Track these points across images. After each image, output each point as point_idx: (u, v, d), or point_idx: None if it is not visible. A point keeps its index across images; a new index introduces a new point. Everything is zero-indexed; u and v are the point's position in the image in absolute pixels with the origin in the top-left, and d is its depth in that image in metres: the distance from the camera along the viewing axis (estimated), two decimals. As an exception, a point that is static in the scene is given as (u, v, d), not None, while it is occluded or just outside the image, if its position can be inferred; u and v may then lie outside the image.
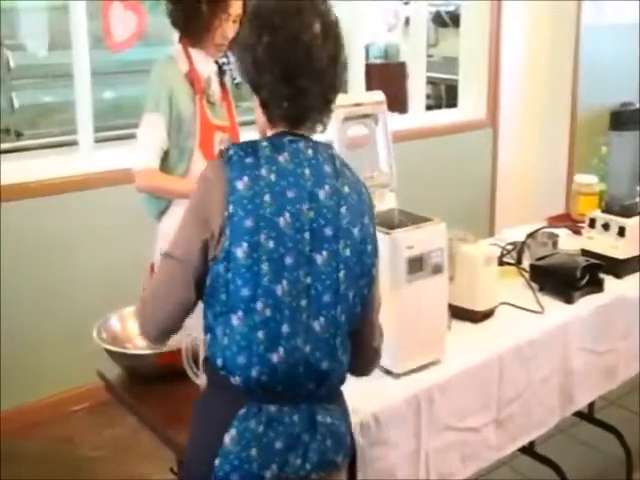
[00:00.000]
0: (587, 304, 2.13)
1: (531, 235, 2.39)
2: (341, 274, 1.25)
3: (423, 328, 1.70)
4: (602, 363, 2.15)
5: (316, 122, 1.29)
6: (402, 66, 4.96)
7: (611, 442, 2.61)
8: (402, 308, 1.66)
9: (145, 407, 1.65)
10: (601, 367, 2.15)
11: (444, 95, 5.83)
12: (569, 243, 2.42)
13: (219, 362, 1.24)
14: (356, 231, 1.27)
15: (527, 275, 2.23)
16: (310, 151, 1.27)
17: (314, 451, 1.25)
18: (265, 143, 1.26)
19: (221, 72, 2.23)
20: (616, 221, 2.31)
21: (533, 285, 2.18)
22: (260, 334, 1.22)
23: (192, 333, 1.61)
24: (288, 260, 1.22)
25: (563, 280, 2.15)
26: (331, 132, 1.77)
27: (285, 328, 1.22)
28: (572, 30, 4.23)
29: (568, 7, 4.18)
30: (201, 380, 1.57)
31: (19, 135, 4.43)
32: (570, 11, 4.19)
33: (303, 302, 1.23)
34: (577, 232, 2.53)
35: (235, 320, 1.22)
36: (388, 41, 6.40)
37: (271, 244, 1.21)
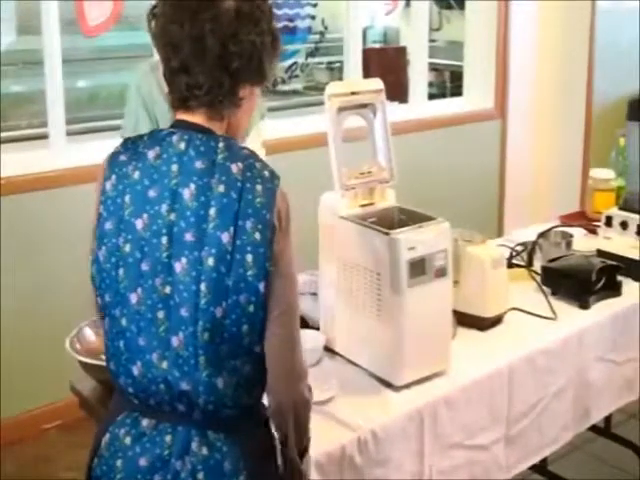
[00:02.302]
0: (603, 309, 2.13)
1: (543, 235, 2.39)
2: (202, 286, 1.18)
3: (426, 336, 1.70)
4: (620, 373, 2.16)
5: (211, 106, 1.23)
6: (402, 51, 4.96)
7: (629, 458, 2.62)
8: (403, 315, 1.66)
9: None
10: (619, 378, 2.16)
11: (448, 83, 5.85)
12: (584, 243, 2.43)
13: (107, 365, 1.30)
14: (225, 236, 1.17)
15: (539, 278, 2.23)
16: (183, 145, 1.22)
17: None
18: (145, 137, 1.26)
19: None
20: (635, 219, 2.32)
21: (545, 289, 2.19)
22: (121, 344, 1.24)
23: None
24: (144, 266, 1.20)
25: (577, 283, 2.15)
26: (325, 124, 1.77)
27: (141, 341, 1.22)
28: (587, 14, 4.24)
29: (583, -11, 4.20)
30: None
31: (-16, 128, 4.41)
32: (585, -7, 4.20)
33: (160, 314, 1.20)
34: (593, 231, 2.54)
35: (106, 325, 1.27)
36: (387, 24, 6.41)
37: (127, 248, 1.20)
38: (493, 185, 4.37)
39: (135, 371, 1.23)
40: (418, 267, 1.65)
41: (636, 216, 2.33)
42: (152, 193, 1.20)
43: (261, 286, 1.19)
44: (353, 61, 3.88)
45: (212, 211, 1.18)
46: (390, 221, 1.77)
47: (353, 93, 1.84)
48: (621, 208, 2.40)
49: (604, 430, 2.65)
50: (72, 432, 2.93)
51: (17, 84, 4.68)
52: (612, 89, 4.20)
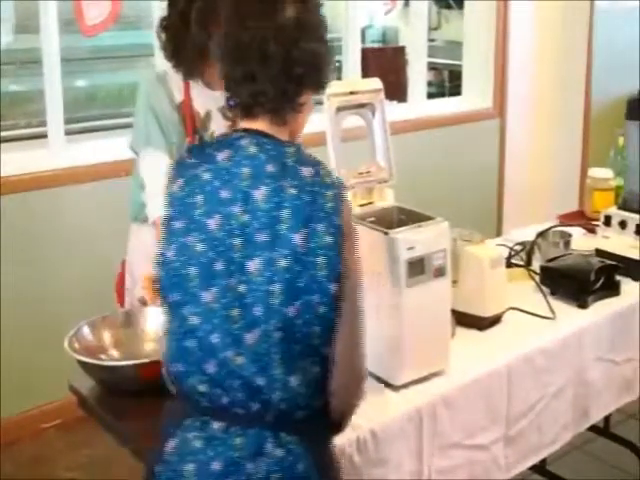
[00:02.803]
0: (602, 309, 2.13)
1: (541, 234, 2.40)
2: (275, 286, 1.20)
3: (425, 336, 1.70)
4: (619, 373, 2.16)
5: (273, 113, 1.28)
6: (401, 51, 4.98)
7: (628, 458, 2.62)
8: (402, 314, 1.66)
9: (122, 424, 1.64)
10: (618, 378, 2.16)
11: (447, 82, 5.85)
12: (583, 243, 2.43)
13: (170, 369, 1.28)
14: (299, 238, 1.20)
15: (537, 278, 2.23)
16: (253, 148, 1.25)
17: None
18: (214, 142, 1.31)
19: (230, 108, 2.07)
20: (634, 219, 2.32)
21: (544, 289, 2.19)
22: (192, 343, 1.24)
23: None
24: (218, 266, 1.21)
25: (576, 283, 2.15)
26: (323, 123, 1.77)
27: (214, 338, 1.22)
28: (585, 13, 4.25)
29: (582, -12, 4.20)
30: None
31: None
32: (584, -7, 4.21)
33: (235, 312, 1.21)
34: (591, 231, 2.54)
35: (172, 327, 1.26)
36: (386, 24, 6.41)
37: (199, 247, 1.22)
38: (492, 184, 4.37)
39: (210, 369, 1.23)
40: (417, 267, 1.65)
41: (635, 215, 2.33)
42: (224, 194, 1.23)
43: (332, 287, 1.21)
44: (352, 61, 3.88)
45: (285, 213, 1.21)
46: (389, 221, 1.77)
47: (352, 93, 1.84)
48: (620, 207, 2.40)
49: (603, 430, 2.65)
50: (71, 431, 2.93)
51: (15, 83, 4.68)
52: (611, 88, 4.20)
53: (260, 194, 1.22)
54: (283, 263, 1.20)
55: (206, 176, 1.24)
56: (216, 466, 1.21)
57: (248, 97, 1.26)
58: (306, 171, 1.24)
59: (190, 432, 1.24)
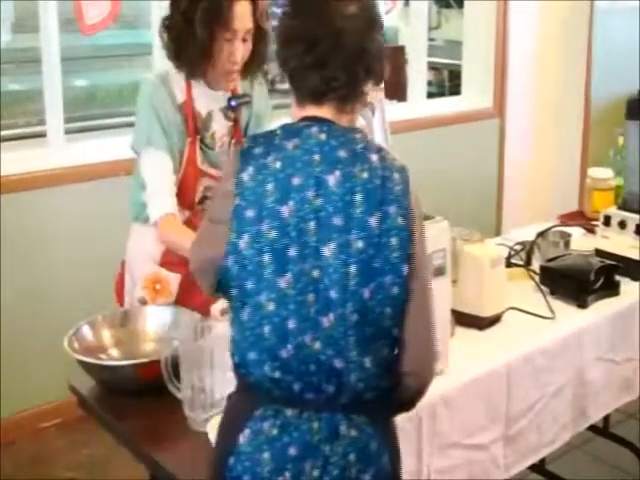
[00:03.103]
0: (602, 309, 2.14)
1: (541, 234, 2.40)
2: (352, 268, 1.23)
3: (424, 336, 1.70)
4: (619, 373, 2.16)
5: (342, 99, 1.32)
6: (401, 50, 4.95)
7: (628, 458, 2.62)
8: (402, 314, 1.66)
9: (122, 423, 1.65)
10: (618, 377, 2.16)
11: (447, 82, 5.85)
12: (582, 243, 2.43)
13: (236, 359, 1.29)
14: (373, 221, 1.24)
15: (537, 278, 2.24)
16: (323, 135, 1.29)
17: (335, 465, 1.25)
18: (278, 131, 1.31)
19: (232, 108, 2.02)
20: (633, 219, 2.32)
21: (543, 288, 2.19)
22: (267, 329, 1.24)
23: (173, 342, 1.62)
24: (292, 251, 1.23)
25: (576, 283, 2.16)
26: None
27: (291, 324, 1.24)
28: (585, 13, 4.24)
29: (582, -12, 4.20)
30: (183, 394, 1.58)
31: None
32: (584, -7, 4.21)
33: (310, 296, 1.24)
34: (591, 231, 2.54)
35: (245, 315, 1.26)
36: (386, 23, 6.39)
37: (273, 234, 1.24)
38: (492, 184, 4.37)
39: (284, 354, 1.24)
40: (417, 266, 1.65)
41: (635, 215, 2.33)
42: (296, 181, 1.25)
43: (404, 268, 1.25)
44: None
45: (358, 197, 1.24)
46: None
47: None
48: (620, 207, 2.40)
49: (603, 430, 2.66)
50: (70, 431, 2.94)
51: (14, 82, 4.68)
52: (611, 88, 4.20)
53: (333, 179, 1.25)
54: (359, 245, 1.23)
55: (277, 165, 1.26)
56: (293, 451, 1.24)
57: (320, 82, 1.29)
58: (374, 156, 1.28)
59: (263, 422, 1.26)
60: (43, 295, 3.01)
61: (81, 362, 1.70)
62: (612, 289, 2.19)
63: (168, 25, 1.93)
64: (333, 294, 1.23)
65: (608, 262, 2.22)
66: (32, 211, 2.96)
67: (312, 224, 1.24)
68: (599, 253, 2.33)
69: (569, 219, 2.70)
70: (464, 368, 1.78)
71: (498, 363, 1.84)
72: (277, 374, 1.25)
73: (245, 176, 1.27)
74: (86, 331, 1.81)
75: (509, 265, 2.28)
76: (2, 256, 2.90)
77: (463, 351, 1.82)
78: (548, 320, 2.05)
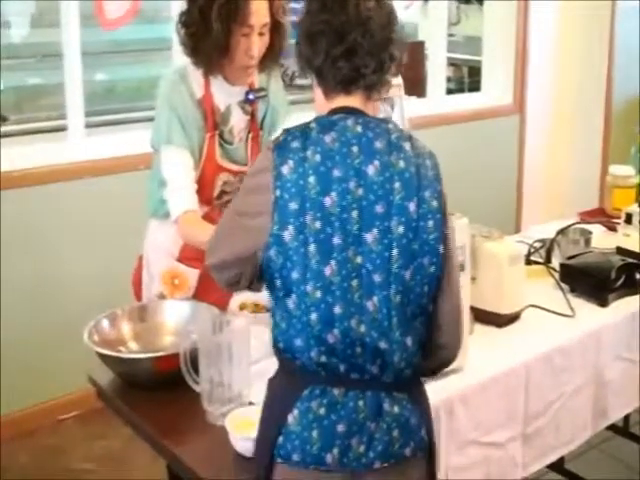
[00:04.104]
0: (622, 307, 2.12)
1: (561, 232, 2.38)
2: (394, 252, 1.29)
3: (443, 333, 1.69)
4: (638, 372, 2.14)
5: (370, 87, 1.37)
6: (421, 46, 4.94)
7: (647, 459, 2.61)
8: (420, 311, 1.65)
9: (140, 416, 1.65)
10: (637, 377, 2.14)
11: (466, 78, 5.82)
12: (603, 240, 2.41)
13: (281, 346, 1.34)
14: (412, 206, 1.31)
15: (557, 275, 2.22)
16: (359, 128, 1.33)
17: (379, 440, 1.31)
18: (314, 124, 1.35)
19: (249, 101, 2.02)
20: (655, 217, 2.30)
21: (563, 286, 2.17)
22: (313, 316, 1.30)
23: (192, 335, 1.62)
24: (336, 240, 1.29)
25: (596, 281, 2.14)
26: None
27: (337, 309, 1.29)
28: (607, 10, 4.21)
29: (603, -16, 4.16)
30: (201, 388, 1.59)
31: (3, 120, 4.44)
32: (606, -11, 4.17)
33: (354, 282, 1.29)
34: (612, 229, 2.52)
35: (290, 304, 1.31)
36: (405, 19, 6.38)
37: (317, 225, 1.28)
38: (511, 180, 4.35)
39: (331, 339, 1.29)
40: (436, 263, 1.64)
41: (656, 214, 2.31)
42: (337, 173, 1.30)
43: (441, 248, 1.33)
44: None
45: (397, 184, 1.31)
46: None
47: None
48: (641, 205, 2.38)
49: (622, 429, 2.64)
50: (88, 423, 2.96)
51: (36, 77, 4.71)
52: (632, 85, 4.16)
53: (373, 169, 1.31)
54: (400, 230, 1.30)
55: (316, 157, 1.31)
56: (341, 428, 1.30)
57: (351, 71, 1.34)
58: (406, 145, 1.35)
59: (311, 401, 1.31)
60: (62, 287, 3.03)
61: (100, 355, 1.71)
62: (633, 288, 2.17)
63: (185, 21, 1.92)
64: (377, 278, 1.29)
65: (629, 260, 2.20)
66: (52, 204, 2.98)
67: (355, 213, 1.29)
68: (620, 251, 2.31)
69: (589, 216, 2.68)
70: (482, 366, 1.78)
71: (517, 361, 1.83)
72: (323, 358, 1.30)
73: (285, 169, 1.30)
74: (105, 324, 1.81)
75: (529, 262, 2.26)
76: (23, 248, 2.92)
77: (482, 349, 1.81)
78: (568, 318, 2.04)
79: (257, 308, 1.97)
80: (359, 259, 1.29)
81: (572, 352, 1.95)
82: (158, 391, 1.66)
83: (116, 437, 2.77)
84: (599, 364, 2.03)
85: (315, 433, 1.30)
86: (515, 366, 1.82)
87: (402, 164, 1.32)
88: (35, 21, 4.68)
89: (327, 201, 1.29)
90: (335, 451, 1.29)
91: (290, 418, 1.31)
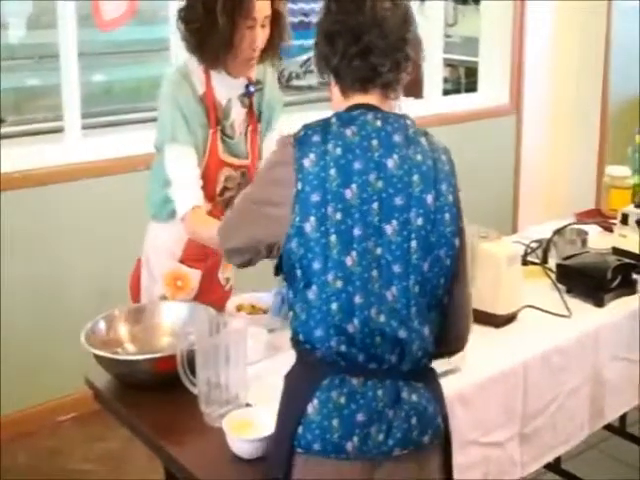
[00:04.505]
0: (619, 307, 2.12)
1: (558, 232, 2.38)
2: (413, 244, 1.32)
3: (440, 333, 1.69)
4: (635, 372, 2.15)
5: (386, 85, 1.39)
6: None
7: (644, 458, 2.61)
8: (418, 311, 1.65)
9: (137, 417, 1.65)
10: (634, 377, 2.14)
11: (463, 79, 5.82)
12: (599, 241, 2.41)
13: (301, 337, 1.35)
14: (429, 198, 1.34)
15: (553, 276, 2.22)
16: (379, 122, 1.36)
17: (398, 428, 1.33)
18: (334, 119, 1.38)
19: (249, 93, 2.05)
20: (651, 217, 2.30)
21: (560, 287, 2.17)
22: (334, 306, 1.31)
23: (189, 337, 1.62)
24: (356, 231, 1.31)
25: (593, 281, 2.14)
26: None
27: (357, 299, 1.31)
28: (603, 10, 4.21)
29: (600, -15, 4.17)
30: (198, 389, 1.58)
31: (0, 121, 4.44)
32: (602, -11, 4.17)
33: (374, 273, 1.31)
34: (608, 229, 2.52)
35: (311, 294, 1.33)
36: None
37: (338, 216, 1.31)
38: (508, 181, 4.35)
39: (351, 329, 1.31)
40: (433, 263, 1.64)
41: (653, 214, 2.31)
42: (357, 165, 1.33)
43: (456, 241, 1.36)
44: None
45: (415, 177, 1.34)
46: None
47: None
48: (637, 206, 2.38)
49: (619, 429, 2.64)
50: (86, 424, 2.96)
51: (32, 78, 4.70)
52: (629, 86, 4.17)
53: (392, 162, 1.33)
54: (418, 222, 1.32)
55: (337, 151, 1.33)
56: (360, 417, 1.31)
57: (367, 70, 1.37)
58: (423, 140, 1.38)
59: (330, 391, 1.32)
60: (59, 289, 3.02)
61: (97, 356, 1.70)
62: (629, 288, 2.17)
63: (187, 17, 1.92)
64: (396, 269, 1.32)
65: (625, 261, 2.20)
66: (49, 206, 2.98)
67: (375, 205, 1.32)
68: (616, 251, 2.31)
69: (586, 217, 2.68)
70: (480, 366, 1.77)
71: (514, 361, 1.83)
72: (343, 348, 1.32)
73: (306, 162, 1.33)
74: (102, 326, 1.81)
75: (525, 263, 2.26)
76: (19, 250, 2.92)
77: (479, 349, 1.79)
78: (564, 318, 2.04)
79: (254, 309, 1.97)
80: (379, 250, 1.31)
81: (569, 352, 1.95)
82: (155, 392, 1.66)
83: (114, 438, 2.77)
84: (596, 364, 2.03)
85: (335, 422, 1.31)
86: (513, 366, 1.82)
87: (420, 157, 1.35)
88: (32, 22, 4.67)
89: (348, 193, 1.31)
90: (355, 439, 1.31)
91: (310, 408, 1.33)
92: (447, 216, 1.35)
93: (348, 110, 1.39)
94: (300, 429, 1.33)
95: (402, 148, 1.35)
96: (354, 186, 1.31)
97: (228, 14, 1.84)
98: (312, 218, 1.31)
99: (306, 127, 1.38)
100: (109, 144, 3.18)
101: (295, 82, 4.09)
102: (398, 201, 1.32)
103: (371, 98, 1.39)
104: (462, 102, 4.48)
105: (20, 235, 2.92)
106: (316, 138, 1.35)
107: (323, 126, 1.36)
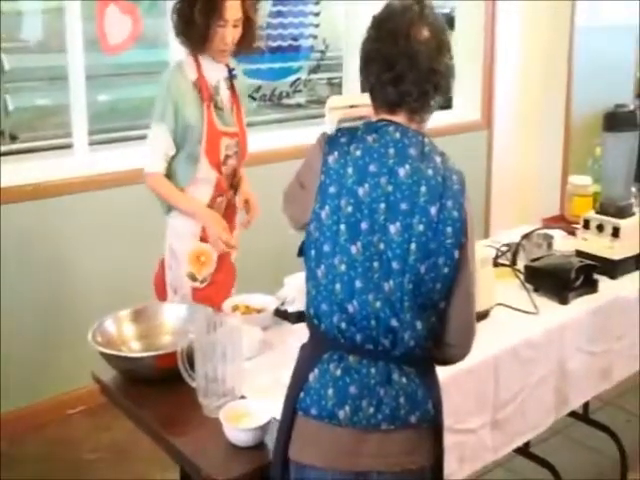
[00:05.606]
0: (582, 305, 2.14)
1: (526, 236, 2.40)
2: (412, 246, 1.34)
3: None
4: (597, 364, 2.16)
5: (413, 111, 1.41)
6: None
7: (606, 442, 2.62)
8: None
9: (141, 410, 1.65)
10: (596, 368, 2.16)
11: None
12: (564, 244, 2.43)
13: (311, 311, 1.40)
14: (433, 210, 1.35)
15: (522, 276, 2.24)
16: (398, 134, 1.39)
17: (387, 405, 1.35)
18: (361, 127, 1.42)
19: (231, 77, 2.30)
20: (610, 222, 2.32)
21: (528, 286, 2.19)
22: (338, 286, 1.36)
23: (188, 335, 1.62)
24: (364, 225, 1.34)
25: (558, 281, 2.15)
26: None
27: (358, 283, 1.35)
28: (566, 31, 4.24)
29: (563, 8, 4.19)
30: (197, 383, 1.58)
31: (13, 138, 4.41)
32: (565, 12, 4.19)
33: (375, 264, 1.34)
34: (572, 233, 2.54)
35: (319, 273, 1.37)
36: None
37: (349, 209, 1.34)
38: (480, 190, 4.37)
39: (351, 309, 1.35)
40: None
41: (611, 219, 2.33)
42: (372, 168, 1.36)
43: (456, 253, 1.36)
44: (352, 77, 3.88)
45: (423, 188, 1.35)
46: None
47: (352, 106, 1.85)
48: (598, 212, 2.40)
49: (582, 416, 2.65)
50: (95, 416, 2.94)
51: (43, 98, 4.68)
52: (590, 102, 4.19)
53: (403, 171, 1.36)
54: (420, 228, 1.34)
55: (357, 153, 1.37)
56: (352, 390, 1.35)
57: (396, 96, 1.39)
58: (437, 158, 1.40)
59: (329, 364, 1.37)
60: (69, 293, 3.01)
61: (103, 354, 1.70)
62: (591, 287, 2.19)
63: (178, 10, 2.18)
64: (395, 265, 1.34)
65: (587, 262, 2.22)
66: (60, 215, 2.97)
67: (382, 205, 1.34)
68: (579, 254, 2.33)
69: (552, 222, 2.70)
70: (455, 359, 1.78)
71: (487, 355, 1.84)
72: (343, 325, 1.36)
73: (330, 158, 1.38)
74: (108, 325, 1.81)
75: (496, 265, 2.28)
76: (33, 256, 2.91)
77: (454, 343, 1.81)
78: (532, 315, 2.05)
79: (248, 310, 1.97)
80: (382, 246, 1.34)
81: (537, 346, 1.96)
82: (157, 387, 1.65)
83: (121, 429, 2.76)
84: (561, 356, 2.04)
85: (330, 391, 1.35)
86: (485, 359, 1.83)
87: (430, 172, 1.36)
88: (43, 46, 4.65)
89: (360, 191, 1.34)
90: (347, 409, 1.34)
91: (311, 377, 1.37)
92: (449, 229, 1.35)
93: (377, 121, 1.42)
94: (302, 394, 1.37)
95: (415, 160, 1.37)
96: (367, 185, 1.35)
97: (203, 15, 2.11)
98: (327, 207, 1.35)
99: (338, 130, 1.43)
100: (115, 158, 3.18)
101: (285, 100, 4.10)
102: (403, 206, 1.34)
103: (397, 118, 1.41)
104: (438, 118, 4.48)
105: (32, 243, 2.91)
106: (343, 140, 1.39)
107: (351, 131, 1.41)
